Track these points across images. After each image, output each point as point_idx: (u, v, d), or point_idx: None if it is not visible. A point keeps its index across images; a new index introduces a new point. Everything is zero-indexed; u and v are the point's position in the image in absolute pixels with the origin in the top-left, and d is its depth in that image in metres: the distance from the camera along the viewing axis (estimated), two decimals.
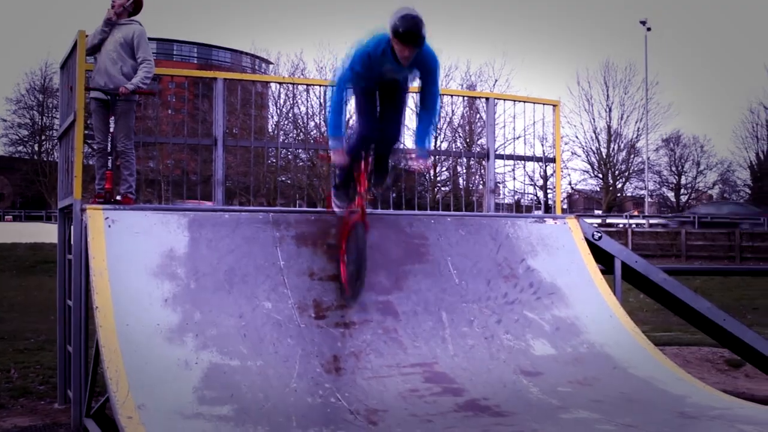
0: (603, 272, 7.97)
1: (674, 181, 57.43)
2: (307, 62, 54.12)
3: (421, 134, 6.32)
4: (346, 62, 6.10)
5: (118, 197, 7.13)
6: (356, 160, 6.39)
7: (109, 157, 7.13)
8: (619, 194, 54.29)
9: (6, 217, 50.78)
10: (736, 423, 5.49)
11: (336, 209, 6.78)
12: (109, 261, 6.06)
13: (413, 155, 6.36)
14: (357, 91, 6.18)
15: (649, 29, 50.09)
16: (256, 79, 24.58)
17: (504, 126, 12.58)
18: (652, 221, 39.42)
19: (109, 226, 6.32)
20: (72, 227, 6.97)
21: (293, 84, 32.30)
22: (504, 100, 9.85)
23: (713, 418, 5.68)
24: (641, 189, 53.77)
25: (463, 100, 36.18)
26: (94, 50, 7.34)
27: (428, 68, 6.05)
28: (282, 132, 38.12)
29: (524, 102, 9.41)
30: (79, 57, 6.89)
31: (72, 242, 7.01)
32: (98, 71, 7.31)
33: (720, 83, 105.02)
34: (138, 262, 6.16)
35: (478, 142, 37.41)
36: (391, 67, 5.94)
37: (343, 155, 6.21)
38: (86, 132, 7.30)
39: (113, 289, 5.88)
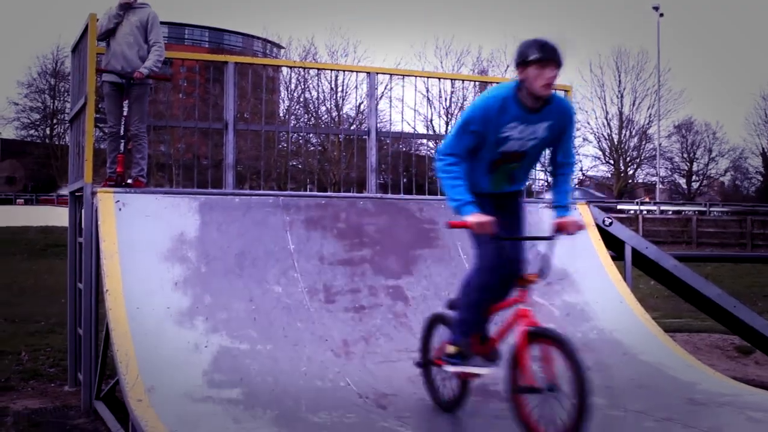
0: (614, 258, 7.94)
1: (686, 167, 57.18)
2: (319, 47, 54.05)
3: (561, 196, 5.11)
4: (459, 123, 4.80)
5: (130, 180, 7.14)
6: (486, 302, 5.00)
7: (121, 141, 7.13)
8: (630, 181, 54.07)
9: (17, 200, 50.93)
10: (745, 410, 5.48)
11: (476, 370, 4.96)
12: (120, 244, 6.08)
13: (562, 221, 5.03)
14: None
15: (661, 15, 49.64)
16: (267, 63, 24.59)
17: None
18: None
19: (120, 209, 6.34)
20: (83, 210, 6.99)
21: (304, 68, 32.37)
22: None
23: (722, 405, 5.67)
24: (653, 176, 53.52)
25: (475, 86, 35.97)
26: (109, 34, 7.30)
27: (565, 113, 4.82)
28: (293, 116, 38.15)
29: None
30: (90, 40, 6.88)
31: (83, 225, 7.02)
32: (114, 55, 7.27)
33: (733, 70, 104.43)
34: (148, 245, 6.17)
35: None
36: (517, 125, 4.67)
37: (483, 215, 4.59)
38: (97, 116, 7.31)
39: (124, 273, 5.90)
